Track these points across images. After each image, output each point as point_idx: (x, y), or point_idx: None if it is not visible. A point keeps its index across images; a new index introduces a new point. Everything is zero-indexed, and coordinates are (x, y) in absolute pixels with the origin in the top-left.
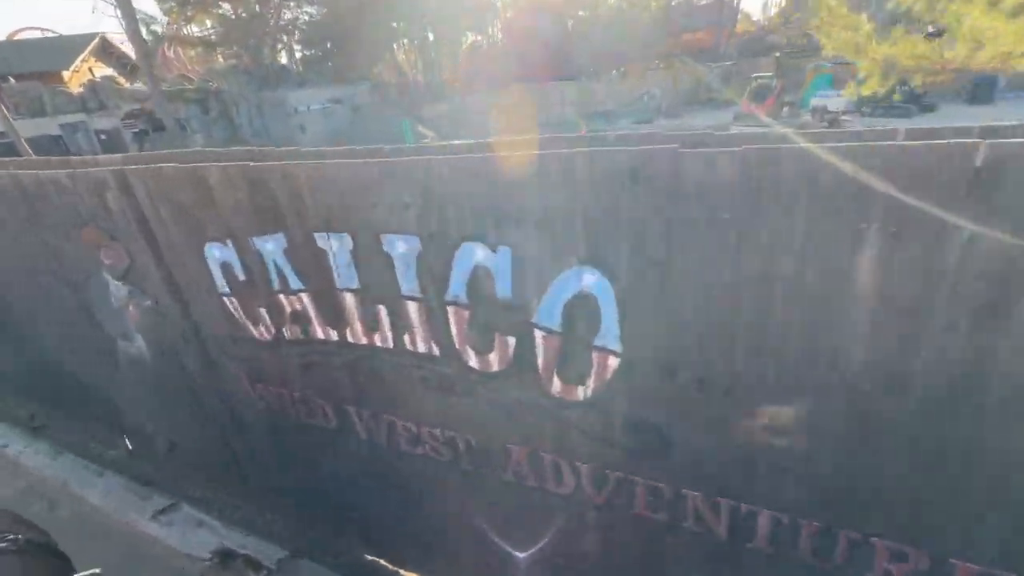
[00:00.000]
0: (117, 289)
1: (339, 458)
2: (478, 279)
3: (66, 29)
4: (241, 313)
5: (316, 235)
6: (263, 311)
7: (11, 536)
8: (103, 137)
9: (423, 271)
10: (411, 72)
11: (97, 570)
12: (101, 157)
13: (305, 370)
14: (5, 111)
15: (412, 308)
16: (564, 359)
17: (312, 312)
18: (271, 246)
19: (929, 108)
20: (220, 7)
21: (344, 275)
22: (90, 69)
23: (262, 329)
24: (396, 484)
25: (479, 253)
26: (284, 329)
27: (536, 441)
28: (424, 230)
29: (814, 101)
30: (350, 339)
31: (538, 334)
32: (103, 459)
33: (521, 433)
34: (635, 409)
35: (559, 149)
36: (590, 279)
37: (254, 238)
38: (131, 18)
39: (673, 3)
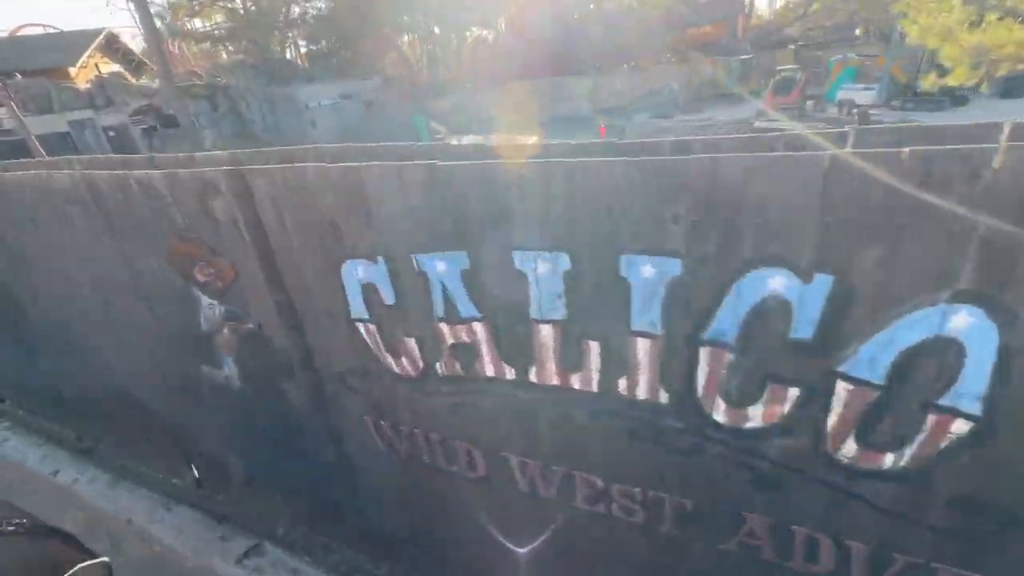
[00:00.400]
0: (210, 309)
1: (482, 508)
2: (764, 314)
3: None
4: (379, 343)
5: (516, 254)
6: (411, 341)
7: (17, 520)
8: (111, 134)
9: (674, 302)
10: (416, 67)
11: (105, 559)
12: (199, 155)
13: (455, 410)
14: (16, 108)
15: (642, 347)
16: (874, 418)
17: (484, 345)
18: (444, 266)
19: (962, 101)
20: (229, 2)
21: (547, 304)
22: (96, 65)
23: (405, 362)
24: (554, 539)
25: (778, 282)
26: (438, 363)
27: (786, 510)
28: (695, 251)
29: (841, 94)
30: (533, 379)
31: (842, 386)
32: (166, 488)
33: (764, 498)
34: (973, 484)
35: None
36: (963, 321)
37: (420, 255)
38: (145, 11)
39: None
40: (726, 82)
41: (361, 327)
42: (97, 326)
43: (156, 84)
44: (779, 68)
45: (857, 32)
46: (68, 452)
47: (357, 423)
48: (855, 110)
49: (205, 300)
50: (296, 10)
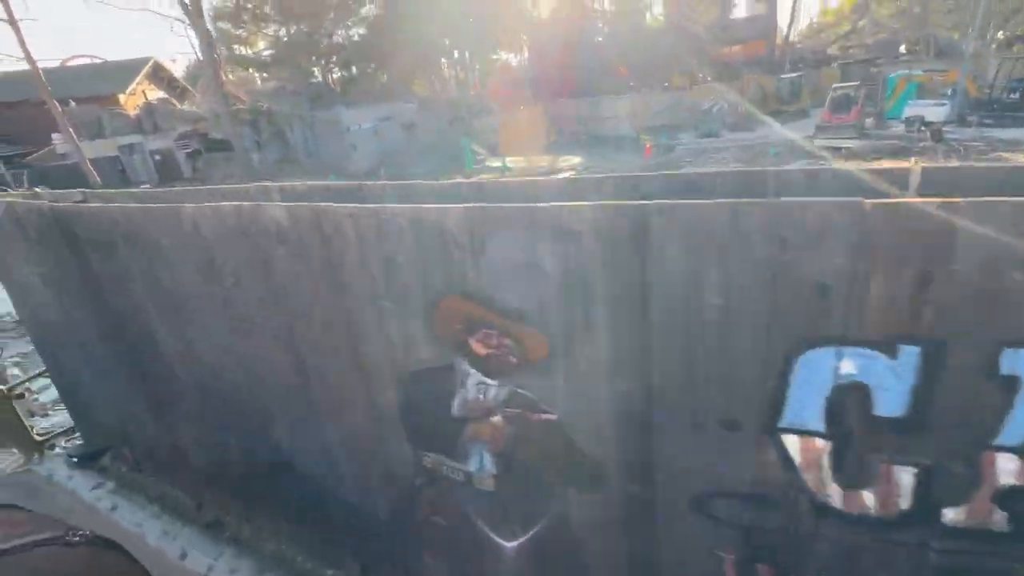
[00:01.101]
0: (479, 389)
1: None
2: None
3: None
4: (827, 466)
5: None
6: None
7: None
8: (157, 158)
9: None
10: (448, 90)
11: None
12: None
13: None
14: (72, 134)
15: None
16: None
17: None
18: None
19: None
20: (276, 29)
21: None
22: (143, 92)
23: (869, 496)
24: None
25: None
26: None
27: None
28: None
29: (908, 111)
30: None
31: None
32: None
33: None
34: None
35: None
36: None
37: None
38: (206, 39)
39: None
40: (775, 99)
41: (796, 442)
42: (275, 389)
43: (201, 109)
44: (836, 85)
45: (903, 48)
46: (192, 527)
47: (704, 563)
48: (924, 128)
49: (475, 378)
50: (337, 37)
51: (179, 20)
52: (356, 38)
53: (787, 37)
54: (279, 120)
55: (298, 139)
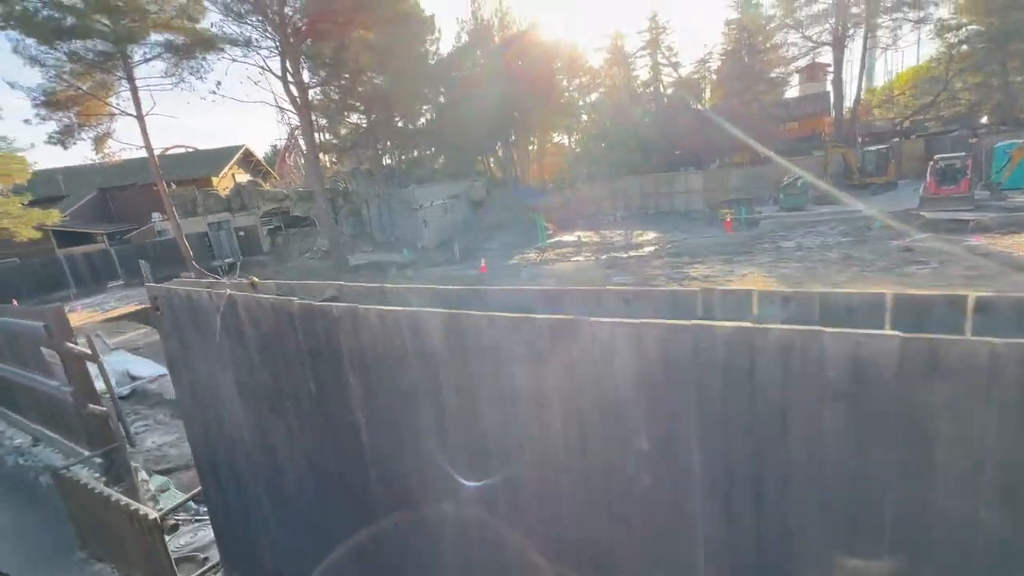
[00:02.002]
0: None
1: None
2: None
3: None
4: None
5: None
6: None
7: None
8: (241, 234)
9: None
10: (508, 168)
11: None
12: None
13: None
14: (175, 212)
15: None
16: None
17: None
18: None
19: None
20: (357, 118)
21: None
22: (232, 175)
23: None
24: None
25: None
26: None
27: None
28: None
29: None
30: None
31: None
32: None
33: None
34: None
35: None
36: None
37: None
38: (309, 130)
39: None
40: (861, 172)
41: None
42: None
43: (285, 190)
44: (938, 156)
45: (984, 120)
46: None
47: None
48: None
49: None
50: (412, 124)
51: (288, 110)
52: (422, 124)
53: (853, 111)
54: (356, 198)
55: (373, 215)
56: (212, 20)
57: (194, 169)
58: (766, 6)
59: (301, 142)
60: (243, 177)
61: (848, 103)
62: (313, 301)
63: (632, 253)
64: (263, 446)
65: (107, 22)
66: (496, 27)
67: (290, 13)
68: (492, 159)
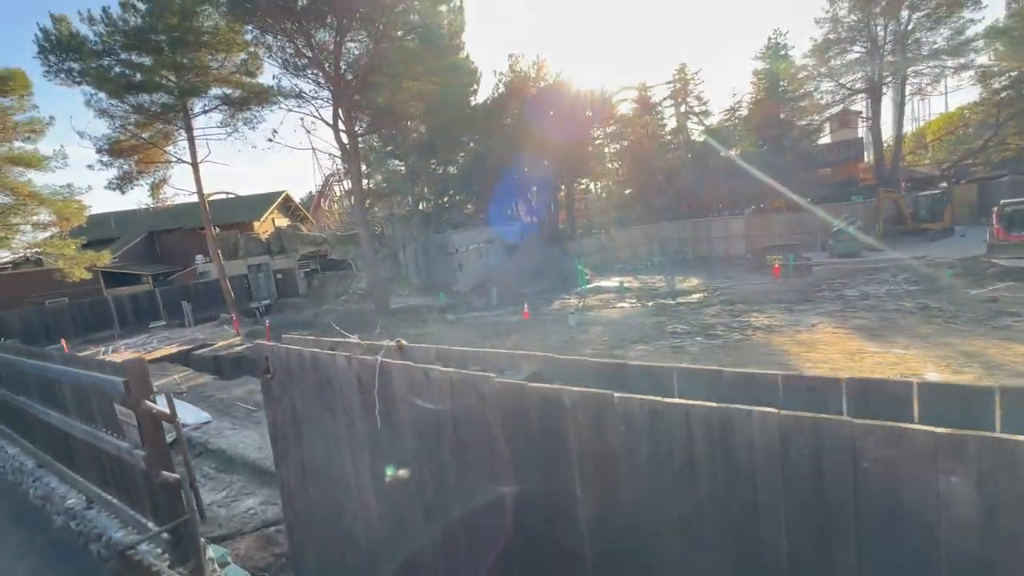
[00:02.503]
0: None
1: None
2: None
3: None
4: None
5: None
6: None
7: None
8: (279, 276)
9: None
10: (546, 213)
11: None
12: None
13: None
14: (219, 255)
15: None
16: None
17: None
18: None
19: None
20: (395, 164)
21: None
22: (273, 220)
23: None
24: None
25: None
26: None
27: None
28: None
29: None
30: None
31: None
32: None
33: None
34: None
35: None
36: None
37: None
38: (358, 174)
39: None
40: (915, 218)
41: None
42: None
43: (324, 234)
44: (1004, 202)
45: None
46: None
47: None
48: None
49: None
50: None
51: (335, 155)
52: (453, 170)
53: (894, 157)
54: (392, 242)
55: (409, 259)
56: (272, 72)
57: (237, 214)
58: (796, 55)
59: (336, 188)
60: (282, 221)
61: (884, 149)
62: (474, 372)
63: (680, 300)
64: (408, 563)
65: (173, 78)
66: (532, 77)
67: (344, 67)
68: (523, 205)
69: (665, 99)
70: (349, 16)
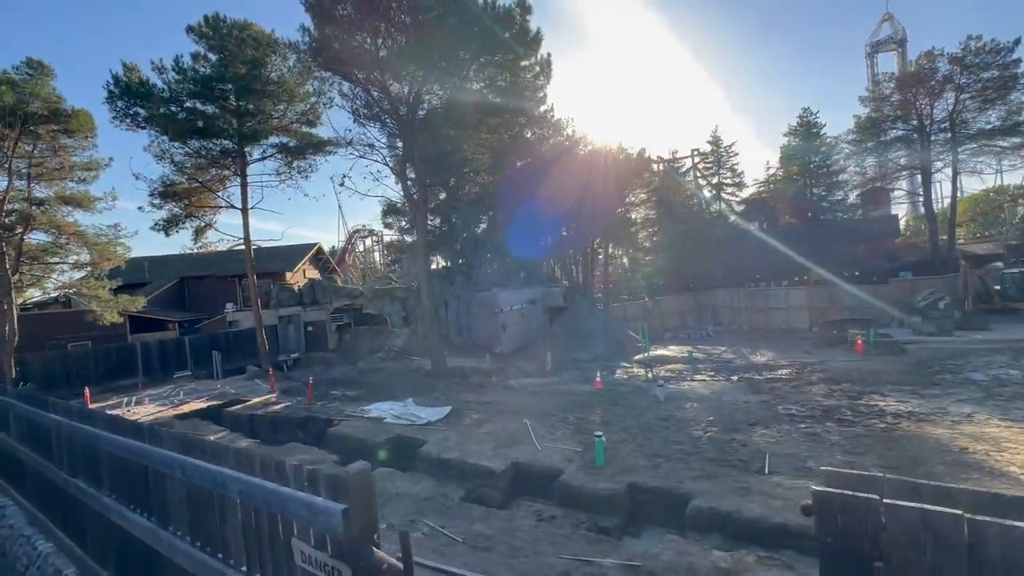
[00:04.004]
0: None
1: None
2: None
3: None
4: None
5: None
6: None
7: None
8: (309, 328)
9: None
10: (579, 276)
11: None
12: None
13: None
14: (259, 304)
15: None
16: None
17: None
18: None
19: None
20: (441, 220)
21: None
22: (304, 271)
23: None
24: None
25: None
26: None
27: None
28: None
29: None
30: None
31: None
32: None
33: None
34: None
35: None
36: None
37: None
38: (423, 226)
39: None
40: (1000, 296)
41: None
42: None
43: (361, 287)
44: None
45: None
46: None
47: None
48: None
49: None
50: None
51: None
52: (479, 232)
53: (950, 236)
54: (432, 298)
55: (451, 317)
56: (333, 122)
57: (270, 263)
58: (827, 132)
59: (359, 244)
60: (313, 273)
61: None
62: None
63: (767, 375)
64: None
65: (235, 123)
66: (577, 139)
67: (420, 116)
68: (560, 268)
69: (697, 167)
70: (429, 67)
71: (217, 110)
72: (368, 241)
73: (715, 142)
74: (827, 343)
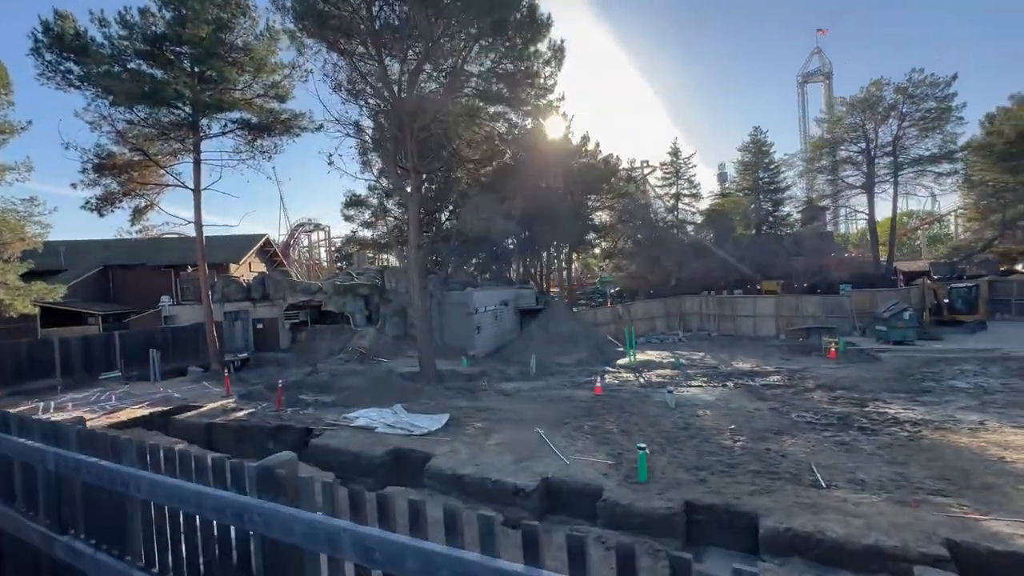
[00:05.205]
0: None
1: None
2: None
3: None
4: None
5: None
6: None
7: None
8: (259, 326)
9: None
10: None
11: None
12: None
13: None
14: (210, 298)
15: None
16: None
17: None
18: None
19: None
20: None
21: None
22: (250, 264)
23: None
24: None
25: None
26: None
27: None
28: None
29: None
30: None
31: None
32: None
33: None
34: None
35: None
36: None
37: None
38: (416, 217)
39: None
40: (949, 308)
41: None
42: None
43: (319, 283)
44: None
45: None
46: None
47: None
48: None
49: None
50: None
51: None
52: (453, 227)
53: (890, 253)
54: (400, 297)
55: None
56: (304, 97)
57: (215, 254)
58: (783, 149)
59: (303, 238)
60: (259, 267)
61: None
62: None
63: (761, 382)
64: None
65: (188, 93)
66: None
67: (418, 96)
68: (518, 267)
69: (646, 178)
70: (432, 44)
71: (171, 74)
72: (314, 236)
73: (674, 153)
74: (800, 350)
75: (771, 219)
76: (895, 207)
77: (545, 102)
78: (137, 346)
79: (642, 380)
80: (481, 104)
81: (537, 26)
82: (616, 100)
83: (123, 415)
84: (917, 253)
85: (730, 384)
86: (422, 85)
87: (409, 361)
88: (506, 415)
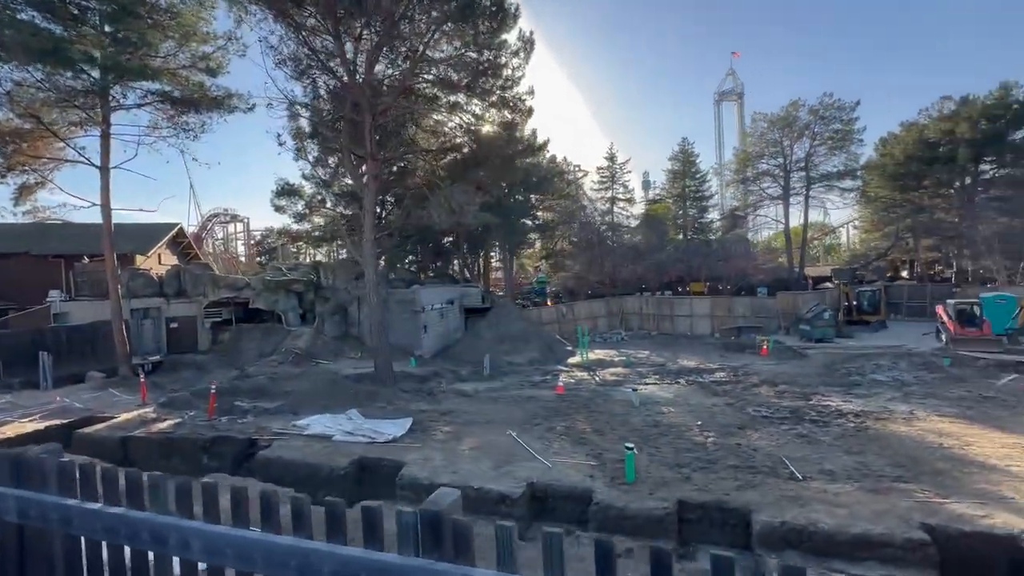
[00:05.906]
0: None
1: None
2: None
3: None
4: None
5: None
6: None
7: None
8: (173, 325)
9: None
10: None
11: None
12: None
13: None
14: (119, 293)
15: None
16: None
17: None
18: None
19: None
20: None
21: None
22: (159, 256)
23: None
24: None
25: None
26: None
27: None
28: None
29: None
30: None
31: None
32: None
33: None
34: None
35: None
36: None
37: None
38: (372, 208)
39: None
40: (857, 309)
41: None
42: None
43: (247, 278)
44: (955, 301)
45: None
46: None
47: None
48: None
49: None
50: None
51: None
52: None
53: (801, 259)
54: (340, 295)
55: (364, 316)
56: (250, 77)
57: (119, 243)
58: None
59: (217, 230)
60: (170, 259)
61: (801, 250)
62: None
63: (710, 379)
64: None
65: (97, 54)
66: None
67: (376, 78)
68: (457, 264)
69: (591, 179)
70: (393, 23)
71: (72, 34)
72: (231, 227)
73: (611, 158)
74: (734, 348)
75: (697, 225)
76: (807, 217)
77: (512, 94)
78: (21, 348)
79: (597, 379)
80: (443, 93)
81: (504, 15)
82: (550, 105)
83: (8, 430)
84: (816, 260)
85: (682, 381)
86: (378, 69)
87: (352, 362)
88: (473, 418)
